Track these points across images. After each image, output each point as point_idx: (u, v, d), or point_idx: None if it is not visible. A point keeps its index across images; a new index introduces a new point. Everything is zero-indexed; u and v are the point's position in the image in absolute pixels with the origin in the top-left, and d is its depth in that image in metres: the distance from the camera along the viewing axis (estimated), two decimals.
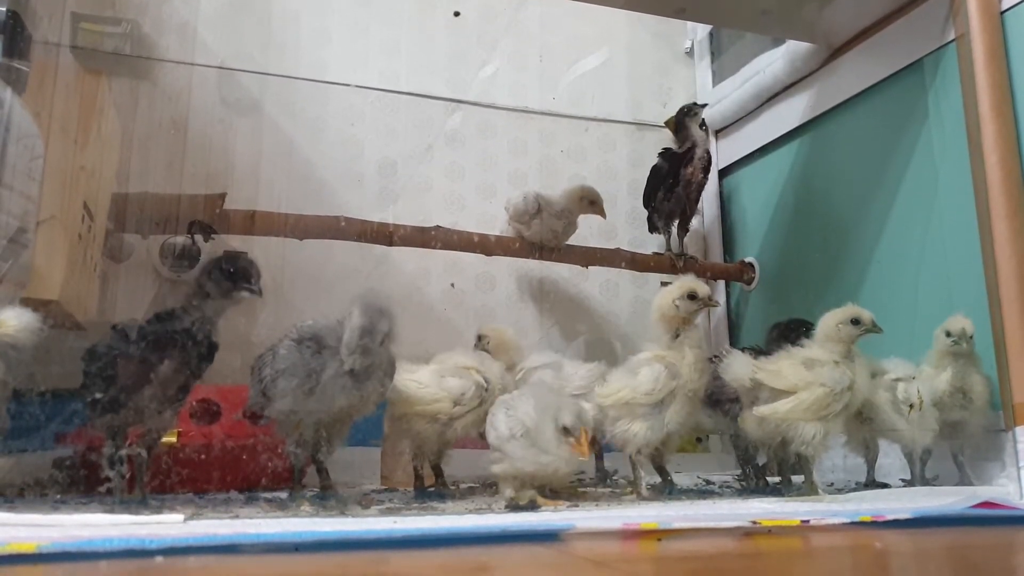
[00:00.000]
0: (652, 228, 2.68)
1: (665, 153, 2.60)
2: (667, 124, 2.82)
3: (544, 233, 2.41)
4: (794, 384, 1.65)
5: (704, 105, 2.63)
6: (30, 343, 1.42)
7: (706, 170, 2.56)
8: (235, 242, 2.31)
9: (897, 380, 1.79)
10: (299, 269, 2.38)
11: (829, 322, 1.72)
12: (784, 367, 1.69)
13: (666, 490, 1.76)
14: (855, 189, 2.34)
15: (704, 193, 2.69)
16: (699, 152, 2.53)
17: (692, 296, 1.70)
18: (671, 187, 2.55)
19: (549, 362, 2.02)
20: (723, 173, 2.93)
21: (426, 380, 1.75)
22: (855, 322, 1.70)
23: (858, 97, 2.33)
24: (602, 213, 2.50)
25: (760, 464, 1.98)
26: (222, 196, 2.10)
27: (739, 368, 1.70)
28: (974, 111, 1.82)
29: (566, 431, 1.45)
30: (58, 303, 1.66)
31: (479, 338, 2.09)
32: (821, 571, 1.00)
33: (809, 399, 1.64)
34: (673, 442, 1.74)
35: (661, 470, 1.80)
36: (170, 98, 2.35)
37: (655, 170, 2.61)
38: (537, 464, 1.47)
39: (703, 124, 2.62)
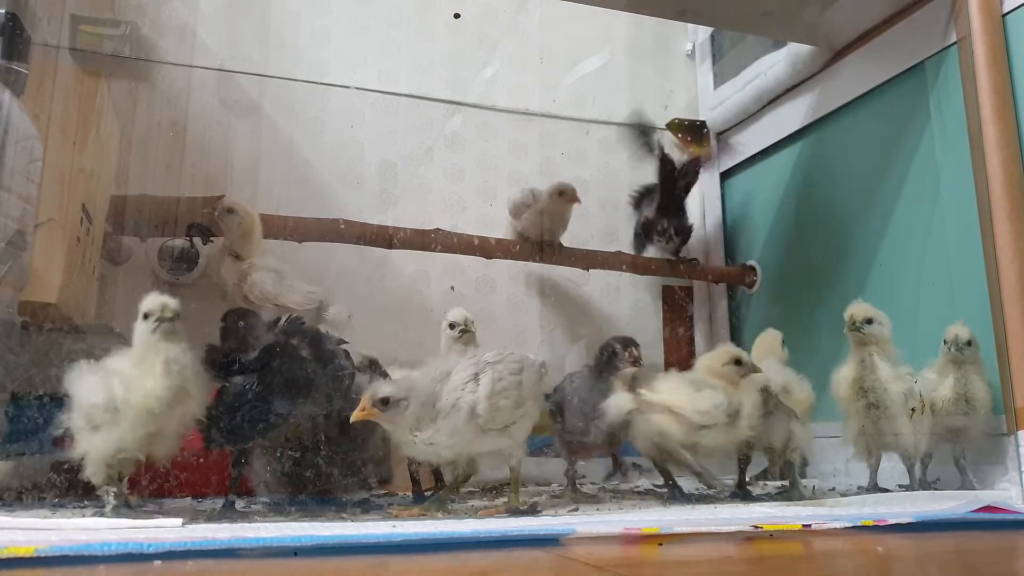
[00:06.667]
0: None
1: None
2: (669, 126, 2.82)
3: (536, 225, 2.41)
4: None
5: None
6: None
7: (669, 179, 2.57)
8: None
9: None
10: (298, 272, 2.37)
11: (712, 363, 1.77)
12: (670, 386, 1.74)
13: (668, 494, 1.76)
14: (857, 192, 2.34)
15: (705, 196, 2.68)
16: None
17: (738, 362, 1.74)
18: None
19: (276, 268, 2.02)
20: (724, 176, 2.92)
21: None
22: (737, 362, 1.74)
23: (860, 100, 2.33)
24: (572, 199, 2.43)
25: (762, 469, 1.97)
26: (221, 198, 2.10)
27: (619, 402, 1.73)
28: (976, 114, 1.81)
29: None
30: (56, 306, 1.65)
31: (230, 210, 2.00)
32: (823, 575, 0.99)
33: (681, 400, 1.68)
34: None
35: (665, 473, 1.79)
36: (169, 100, 2.34)
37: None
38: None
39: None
